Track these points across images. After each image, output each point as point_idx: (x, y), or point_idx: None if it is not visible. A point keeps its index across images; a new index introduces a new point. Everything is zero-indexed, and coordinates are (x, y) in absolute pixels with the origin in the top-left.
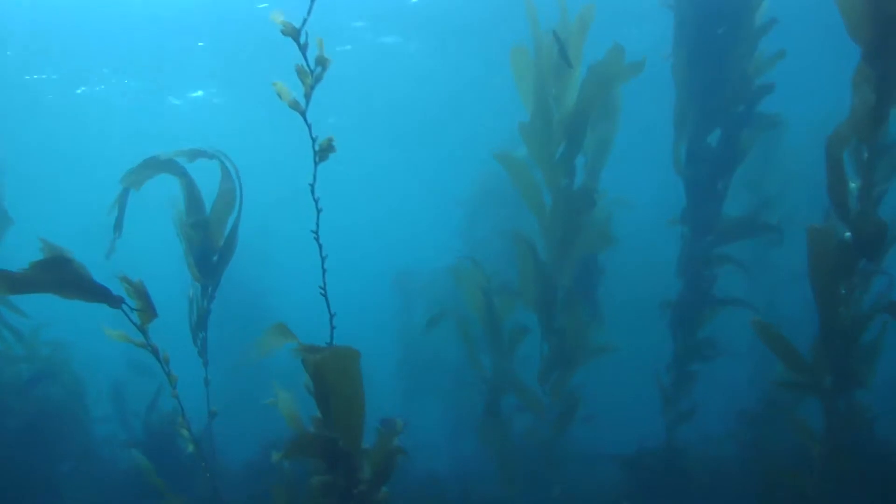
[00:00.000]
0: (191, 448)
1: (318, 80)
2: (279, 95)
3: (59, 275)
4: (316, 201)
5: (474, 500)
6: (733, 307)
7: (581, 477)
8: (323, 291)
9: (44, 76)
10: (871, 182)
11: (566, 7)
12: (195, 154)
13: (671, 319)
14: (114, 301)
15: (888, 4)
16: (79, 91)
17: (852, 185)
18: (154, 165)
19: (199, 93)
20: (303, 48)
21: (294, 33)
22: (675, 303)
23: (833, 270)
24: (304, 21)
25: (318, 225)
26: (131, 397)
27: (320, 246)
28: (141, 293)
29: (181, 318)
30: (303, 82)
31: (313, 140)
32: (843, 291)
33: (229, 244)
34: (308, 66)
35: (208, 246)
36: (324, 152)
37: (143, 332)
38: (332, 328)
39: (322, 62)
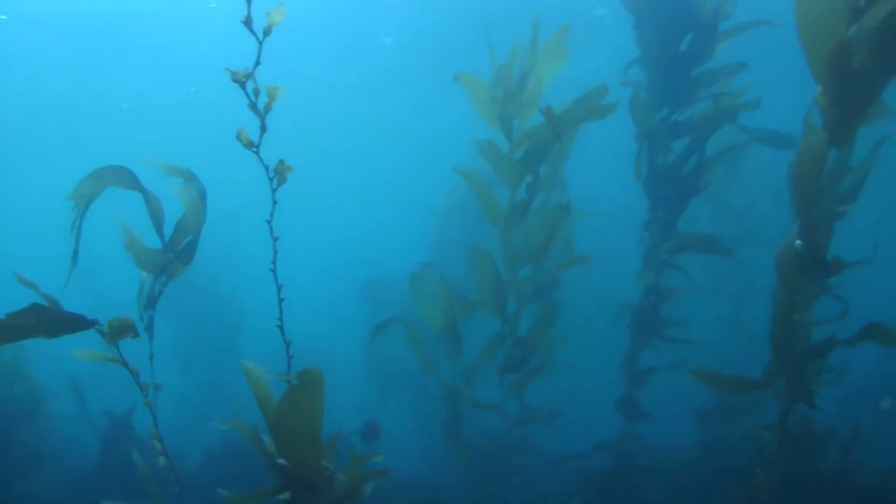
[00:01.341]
0: (162, 461)
1: (268, 109)
2: (238, 138)
3: (43, 318)
4: (271, 229)
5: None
6: (690, 299)
7: (539, 474)
8: (280, 325)
9: None
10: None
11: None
12: (175, 171)
13: (629, 322)
14: (89, 324)
15: (847, 60)
16: None
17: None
18: (106, 177)
19: None
20: (245, 89)
21: (242, 82)
22: (634, 306)
23: (792, 281)
24: (256, 64)
25: (275, 254)
26: (96, 394)
27: (276, 277)
28: (125, 324)
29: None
30: (257, 116)
31: (266, 168)
32: (799, 298)
33: (189, 249)
34: (255, 103)
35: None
36: (280, 175)
37: (116, 348)
38: (290, 357)
39: (271, 94)
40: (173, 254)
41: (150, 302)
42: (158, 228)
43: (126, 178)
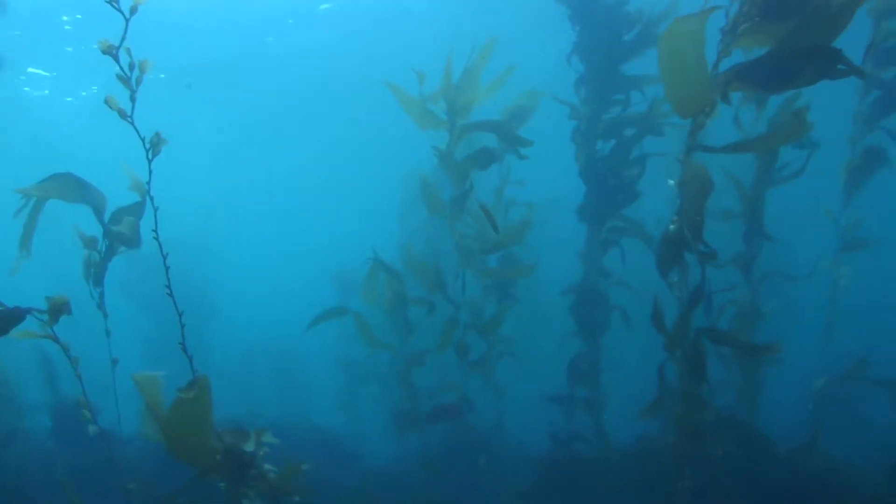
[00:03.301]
0: (93, 430)
1: (139, 83)
2: (108, 105)
3: None
4: (152, 199)
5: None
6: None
7: (501, 457)
8: (169, 292)
9: None
10: None
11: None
12: (137, 185)
13: (572, 304)
14: (26, 313)
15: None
16: None
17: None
18: (50, 188)
19: None
20: (117, 59)
21: (111, 51)
22: (576, 288)
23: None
24: (123, 38)
25: (156, 223)
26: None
27: (160, 245)
28: (60, 303)
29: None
30: (127, 88)
31: (143, 139)
32: (676, 279)
33: (134, 236)
34: (126, 73)
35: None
36: (155, 147)
37: (52, 330)
38: (190, 358)
39: (142, 67)
40: (111, 236)
41: (98, 279)
42: (99, 215)
43: (70, 187)
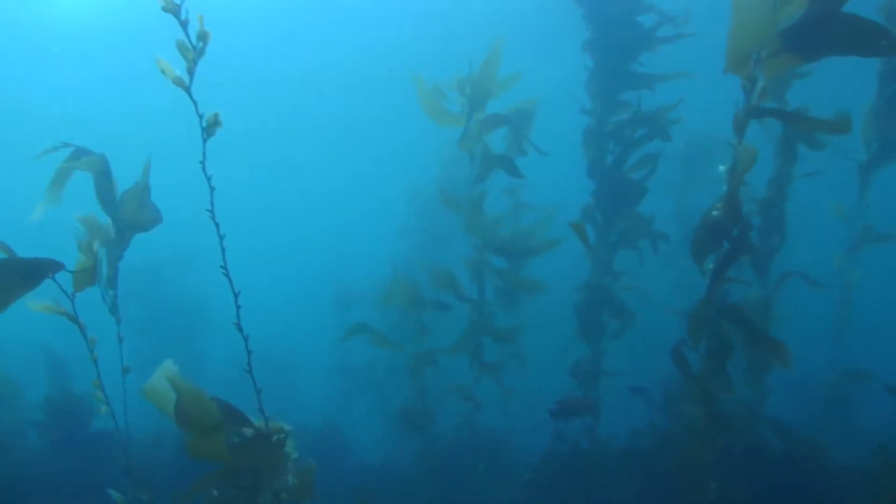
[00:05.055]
0: (104, 410)
1: (200, 54)
2: (162, 72)
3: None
4: (209, 179)
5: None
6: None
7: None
8: (225, 272)
9: None
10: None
11: None
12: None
13: (577, 303)
14: (56, 267)
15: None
16: None
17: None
18: (81, 163)
19: None
20: (184, 24)
21: (174, 9)
22: (582, 286)
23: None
24: None
25: (212, 203)
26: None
27: (217, 225)
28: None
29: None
30: (185, 58)
31: (200, 117)
32: (710, 266)
33: (146, 220)
34: (190, 42)
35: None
36: (211, 128)
37: (72, 299)
38: (246, 338)
39: (203, 37)
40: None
41: (111, 280)
42: (109, 205)
43: (96, 163)
